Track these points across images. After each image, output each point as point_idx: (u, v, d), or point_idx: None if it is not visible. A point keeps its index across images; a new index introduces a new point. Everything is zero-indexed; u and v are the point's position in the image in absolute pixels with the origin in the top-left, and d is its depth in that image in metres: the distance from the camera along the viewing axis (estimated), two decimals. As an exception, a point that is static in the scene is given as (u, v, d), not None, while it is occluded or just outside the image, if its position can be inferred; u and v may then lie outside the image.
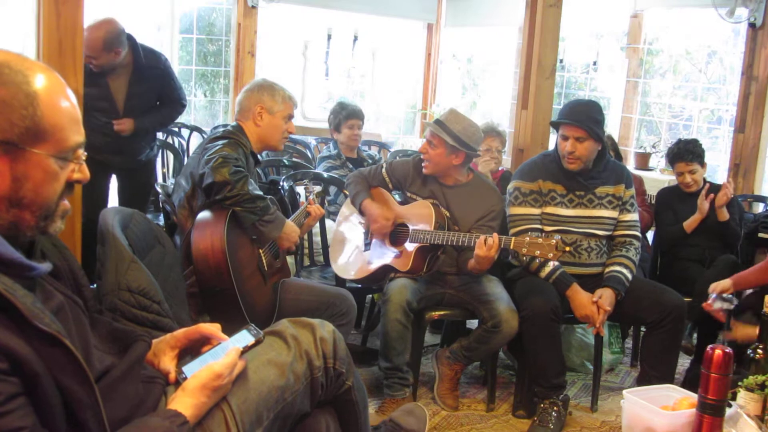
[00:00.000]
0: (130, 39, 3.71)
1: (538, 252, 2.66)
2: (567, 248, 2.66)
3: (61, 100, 1.23)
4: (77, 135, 1.25)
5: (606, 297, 2.88)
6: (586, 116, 2.94)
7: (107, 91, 3.68)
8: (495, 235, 2.76)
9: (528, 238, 2.70)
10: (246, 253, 2.57)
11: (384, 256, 3.10)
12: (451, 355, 3.04)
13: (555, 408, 2.86)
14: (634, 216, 3.11)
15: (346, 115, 4.25)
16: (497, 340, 2.90)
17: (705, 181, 3.84)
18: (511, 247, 2.73)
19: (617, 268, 2.98)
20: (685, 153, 3.76)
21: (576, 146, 2.95)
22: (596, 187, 3.06)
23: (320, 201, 3.21)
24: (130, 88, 3.72)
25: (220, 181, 2.43)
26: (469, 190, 3.14)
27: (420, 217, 3.05)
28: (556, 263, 2.93)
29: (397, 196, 3.29)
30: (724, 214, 3.68)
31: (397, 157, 4.32)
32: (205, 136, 3.07)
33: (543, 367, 2.88)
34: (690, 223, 3.72)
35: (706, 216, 3.71)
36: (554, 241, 2.64)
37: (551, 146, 3.34)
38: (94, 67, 3.56)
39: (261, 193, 2.56)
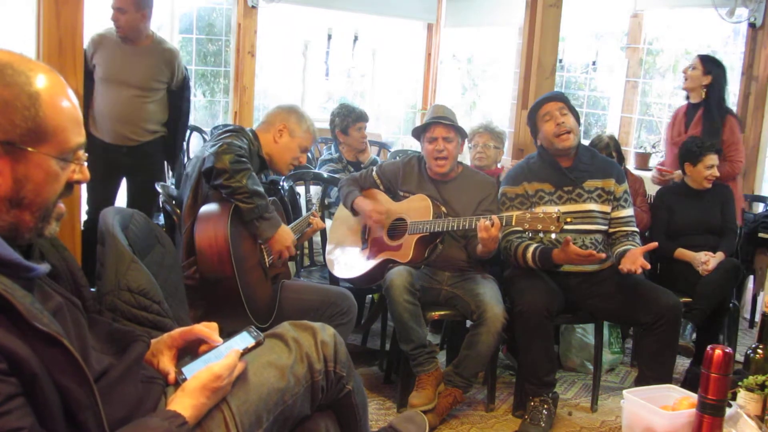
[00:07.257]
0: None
1: (540, 226, 2.66)
2: (568, 219, 2.66)
3: (62, 101, 1.23)
4: (78, 136, 1.26)
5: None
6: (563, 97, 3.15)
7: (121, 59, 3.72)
8: (493, 216, 2.77)
9: (529, 215, 2.71)
10: (248, 247, 2.59)
11: (384, 250, 3.12)
12: (445, 380, 2.91)
13: (545, 406, 2.87)
14: (629, 211, 3.11)
15: (355, 118, 4.21)
16: (484, 336, 2.80)
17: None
18: (513, 223, 2.75)
19: (629, 246, 2.98)
20: (712, 145, 3.64)
21: (566, 120, 3.04)
22: (584, 181, 3.07)
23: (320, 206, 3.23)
24: (146, 68, 3.76)
25: (219, 168, 2.46)
26: (463, 181, 3.18)
27: (417, 209, 3.08)
28: (536, 244, 2.95)
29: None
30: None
31: (397, 157, 4.33)
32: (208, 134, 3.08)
33: (534, 363, 2.89)
34: (680, 257, 3.60)
35: (707, 216, 3.69)
36: (555, 213, 2.65)
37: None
38: (119, 29, 3.61)
39: (263, 191, 2.57)
